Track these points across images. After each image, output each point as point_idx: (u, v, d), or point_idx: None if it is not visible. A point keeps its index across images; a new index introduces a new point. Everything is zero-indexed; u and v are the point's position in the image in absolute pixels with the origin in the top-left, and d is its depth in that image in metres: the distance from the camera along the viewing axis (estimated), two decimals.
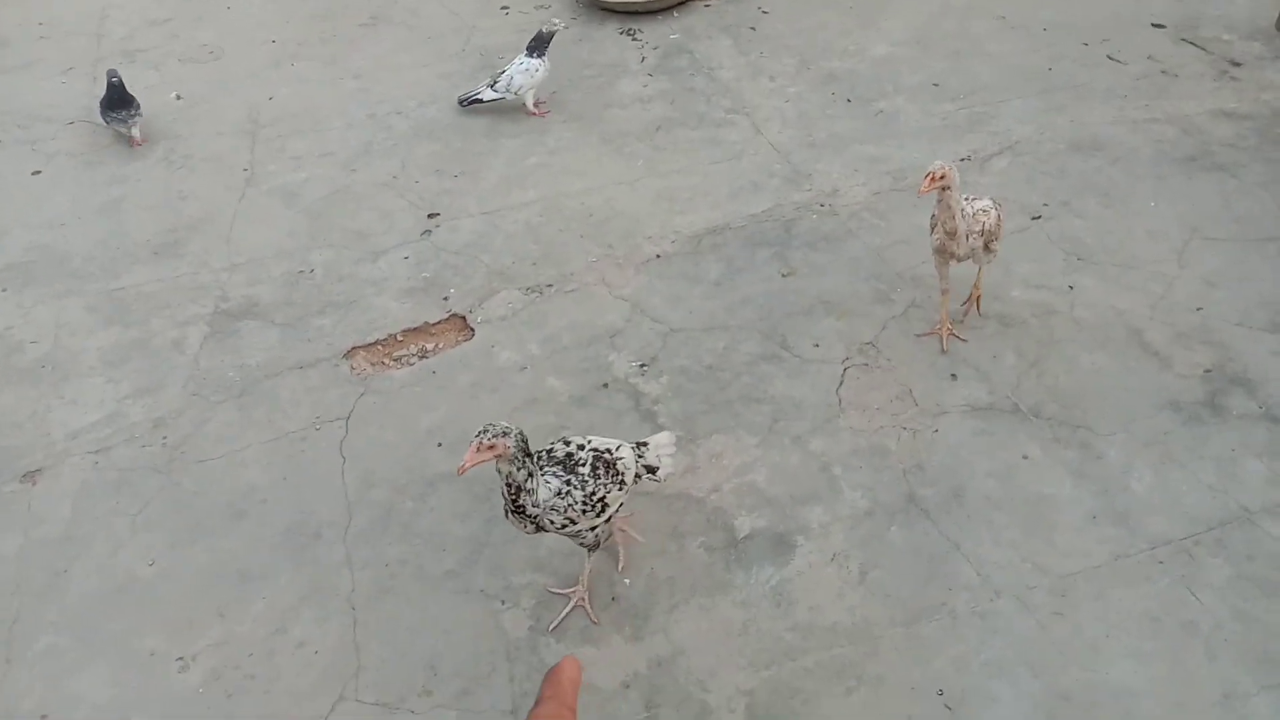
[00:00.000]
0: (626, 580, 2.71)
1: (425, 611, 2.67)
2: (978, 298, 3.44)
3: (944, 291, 3.30)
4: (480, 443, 2.17)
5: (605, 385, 3.30)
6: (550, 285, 3.74)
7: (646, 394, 3.26)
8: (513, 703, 2.45)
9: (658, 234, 3.96)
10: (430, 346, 3.54)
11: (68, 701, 2.52)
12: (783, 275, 3.72)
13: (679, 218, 4.05)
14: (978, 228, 3.07)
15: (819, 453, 3.04)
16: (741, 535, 2.82)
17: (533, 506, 2.32)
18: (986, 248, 3.15)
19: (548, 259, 3.87)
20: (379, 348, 3.55)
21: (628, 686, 2.47)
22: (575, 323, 3.56)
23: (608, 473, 2.42)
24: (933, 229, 3.12)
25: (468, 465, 2.18)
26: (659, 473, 2.56)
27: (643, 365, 3.37)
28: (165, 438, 3.24)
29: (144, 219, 4.22)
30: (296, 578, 2.78)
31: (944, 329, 3.34)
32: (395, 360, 3.50)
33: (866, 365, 3.32)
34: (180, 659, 2.60)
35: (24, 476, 3.12)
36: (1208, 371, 3.22)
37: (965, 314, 3.45)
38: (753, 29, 5.42)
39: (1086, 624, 2.55)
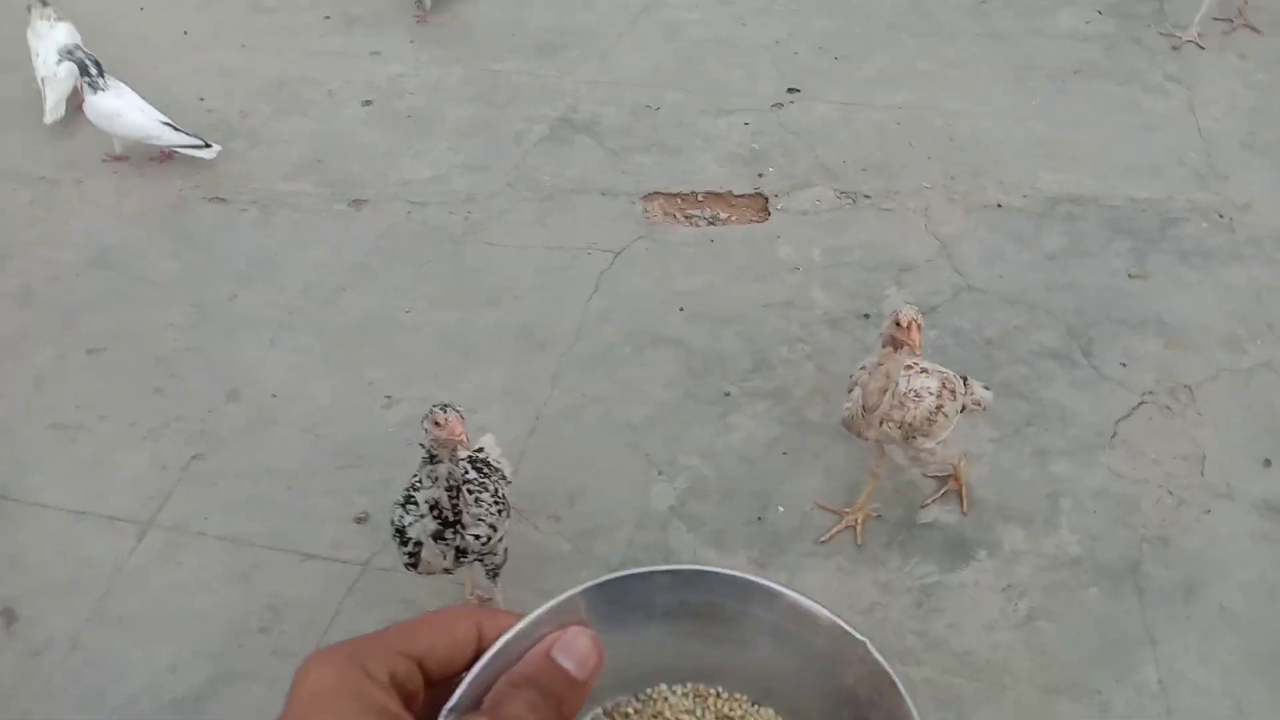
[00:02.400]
0: (781, 508, 2.59)
1: (592, 449, 2.75)
2: (958, 489, 2.57)
3: (872, 474, 2.48)
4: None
5: (866, 316, 3.08)
6: (868, 196, 3.50)
7: None
8: (621, 561, 2.49)
9: (1012, 182, 3.53)
10: (723, 216, 3.49)
11: (298, 393, 2.93)
12: (1130, 275, 3.19)
13: (1046, 173, 3.57)
14: (898, 416, 2.24)
15: (1058, 476, 2.65)
16: (921, 521, 2.57)
17: (470, 517, 2.05)
18: (906, 439, 2.29)
19: (881, 169, 3.61)
20: (678, 200, 3.56)
21: None
22: (872, 243, 3.32)
23: (490, 469, 2.26)
24: (849, 389, 2.34)
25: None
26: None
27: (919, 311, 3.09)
28: (470, 213, 3.52)
29: (544, 15, 4.47)
30: (507, 374, 2.96)
31: (856, 516, 2.51)
32: (686, 217, 3.50)
33: (1169, 409, 2.80)
34: (389, 397, 2.91)
35: (353, 202, 3.56)
36: None
37: (933, 500, 2.59)
38: None
39: None
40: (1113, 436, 2.73)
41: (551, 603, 0.50)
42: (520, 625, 0.48)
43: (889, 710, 0.52)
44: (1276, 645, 2.30)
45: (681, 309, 3.14)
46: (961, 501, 2.59)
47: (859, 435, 2.34)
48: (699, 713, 0.55)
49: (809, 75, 4.09)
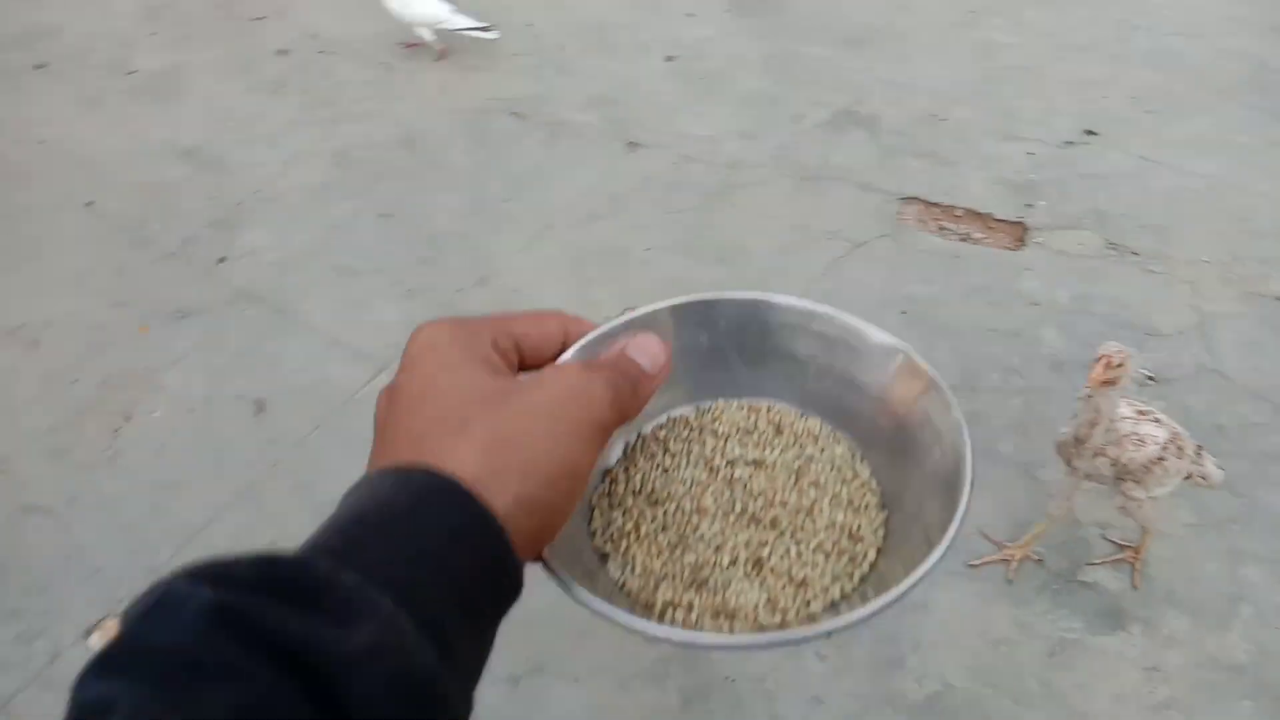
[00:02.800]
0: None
1: None
2: (1133, 561, 2.46)
3: (1049, 515, 2.40)
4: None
5: None
6: (1136, 254, 3.34)
7: None
8: None
9: None
10: (977, 235, 3.45)
11: (534, 293, 3.23)
12: None
13: None
14: (1114, 454, 2.15)
15: (1247, 581, 2.47)
16: (1082, 579, 2.48)
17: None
18: (1117, 480, 2.20)
19: (1160, 231, 3.43)
20: (936, 210, 3.55)
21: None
22: (1125, 300, 3.18)
23: None
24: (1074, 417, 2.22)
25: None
26: None
27: (1150, 379, 2.94)
28: (730, 175, 3.70)
29: (863, 10, 4.54)
30: None
31: (1015, 552, 2.45)
32: (939, 228, 3.49)
33: None
34: (607, 318, 3.14)
35: (629, 143, 3.83)
36: None
37: (1104, 561, 2.48)
38: None
39: None
40: None
41: (629, 314, 0.57)
42: (602, 329, 0.55)
43: (927, 410, 0.56)
44: None
45: (903, 312, 3.16)
46: (1134, 575, 2.48)
47: (1068, 464, 2.29)
48: (752, 420, 0.60)
49: (1112, 122, 3.92)
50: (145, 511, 2.59)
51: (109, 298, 3.18)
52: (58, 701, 1.65)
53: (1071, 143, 3.81)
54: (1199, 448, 2.32)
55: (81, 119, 3.92)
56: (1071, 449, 2.21)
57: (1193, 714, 2.24)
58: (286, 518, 2.56)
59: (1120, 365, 2.00)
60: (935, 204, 3.56)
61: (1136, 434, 2.19)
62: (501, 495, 0.42)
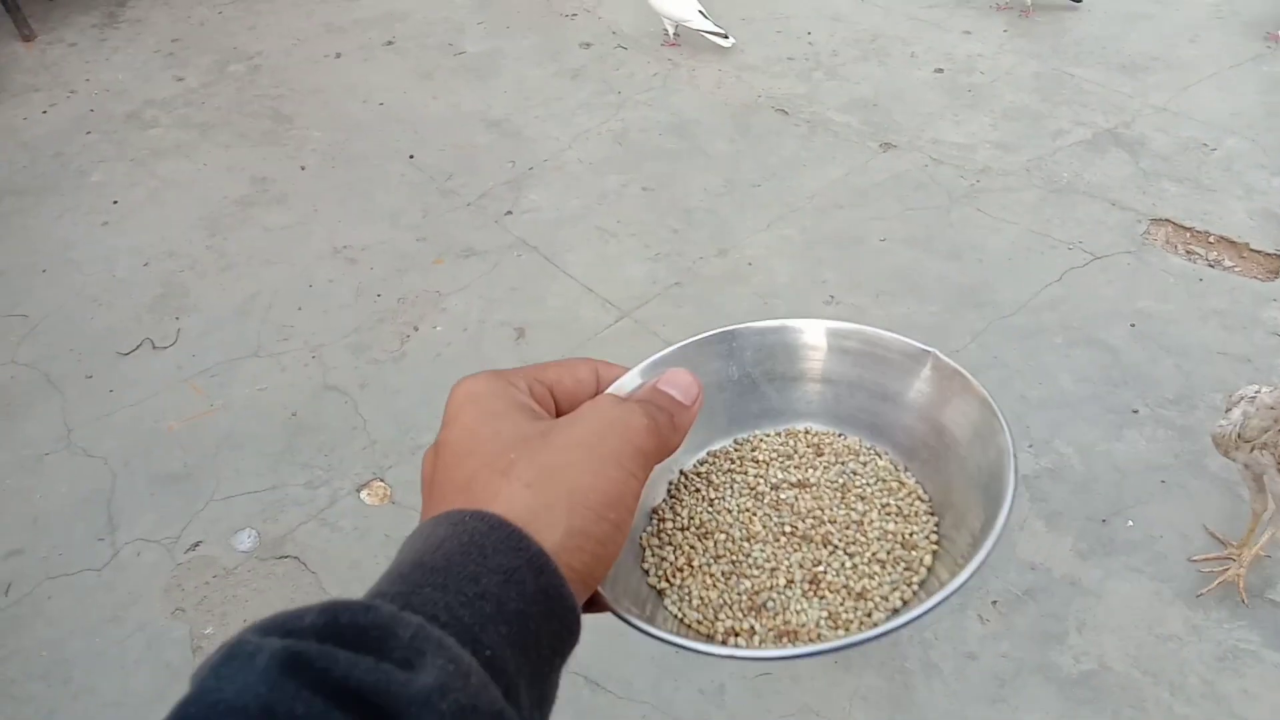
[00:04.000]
0: (1130, 522, 2.61)
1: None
2: (1239, 567, 2.41)
3: (1254, 512, 2.37)
4: None
5: None
6: None
7: None
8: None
9: None
10: (1227, 263, 3.37)
11: (766, 268, 3.52)
12: None
13: None
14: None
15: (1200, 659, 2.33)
16: (1271, 597, 2.43)
17: None
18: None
19: None
20: (1187, 234, 3.49)
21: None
22: None
23: None
24: (1227, 407, 2.26)
25: None
26: None
27: None
28: (978, 181, 3.81)
29: (1146, 39, 4.47)
30: (936, 314, 3.27)
31: (1237, 572, 2.42)
32: (1187, 252, 3.43)
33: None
34: (831, 297, 3.37)
35: (884, 144, 4.04)
36: None
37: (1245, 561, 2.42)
38: None
39: None
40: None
41: (659, 354, 0.58)
42: (634, 370, 0.56)
43: (962, 409, 0.56)
44: None
45: (1132, 325, 3.16)
46: (1240, 576, 2.41)
47: (1225, 455, 2.31)
48: (791, 445, 0.60)
49: None
50: (417, 402, 3.12)
51: (415, 233, 3.80)
52: (329, 536, 2.22)
53: None
54: None
55: (414, 88, 4.65)
56: (1229, 443, 2.25)
57: None
58: None
59: None
60: (1187, 228, 3.50)
61: None
62: (550, 531, 0.43)
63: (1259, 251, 3.38)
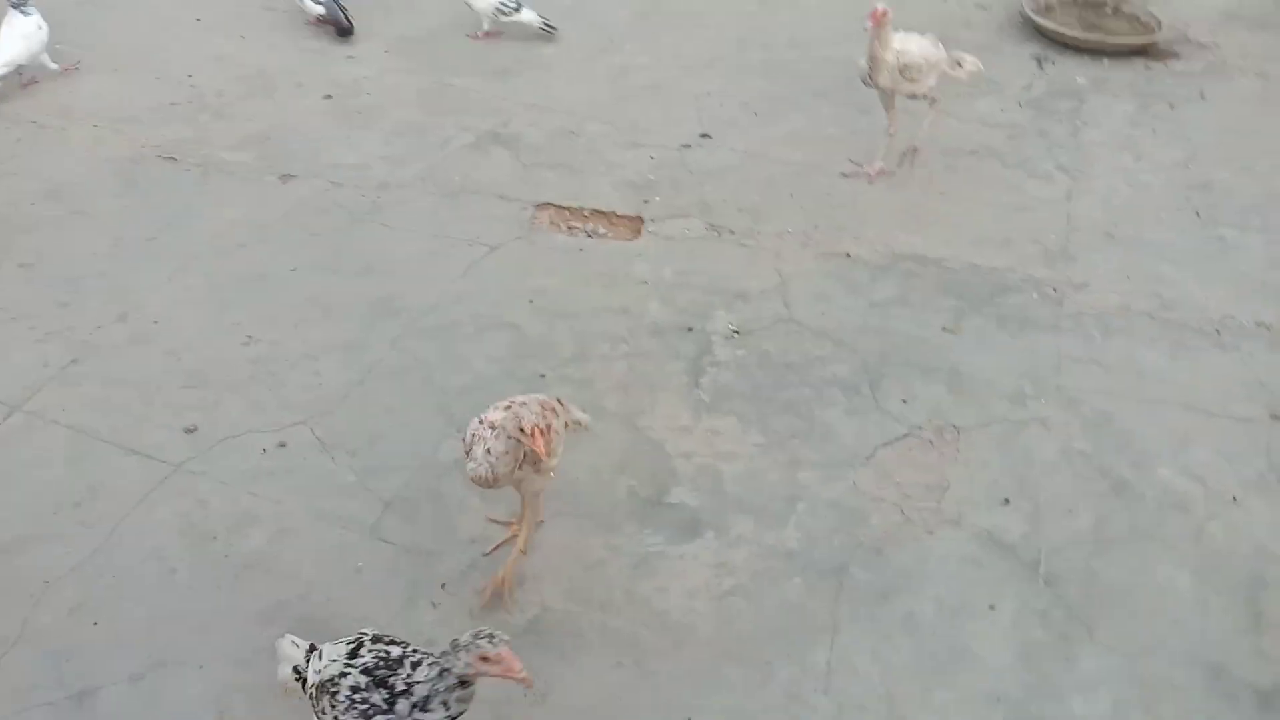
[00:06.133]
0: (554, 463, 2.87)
1: (405, 404, 3.09)
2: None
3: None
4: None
5: (690, 330, 3.39)
6: (733, 232, 3.83)
7: (714, 356, 3.30)
8: (394, 495, 2.81)
9: (868, 238, 3.83)
10: (601, 231, 3.85)
11: (174, 323, 3.33)
12: (944, 329, 3.45)
13: (903, 234, 3.86)
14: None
15: (802, 484, 2.91)
16: (667, 500, 2.85)
17: None
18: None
19: (755, 211, 3.94)
20: (567, 212, 3.93)
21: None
22: (720, 271, 3.64)
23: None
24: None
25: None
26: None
27: (736, 332, 3.39)
28: (378, 198, 3.94)
29: (511, 45, 4.93)
30: (355, 330, 3.34)
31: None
32: (568, 228, 3.86)
33: (931, 443, 3.04)
34: (250, 337, 3.29)
35: (283, 176, 4.02)
36: None
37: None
38: (1170, 107, 4.76)
39: None
40: (868, 458, 2.98)
41: None
42: None
43: None
44: (944, 652, 2.51)
45: (531, 301, 3.49)
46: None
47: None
48: None
49: (725, 125, 4.46)
50: None
51: None
52: None
53: (688, 145, 4.31)
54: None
55: None
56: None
57: (752, 597, 2.63)
58: None
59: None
60: (566, 207, 3.94)
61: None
62: None
63: (624, 216, 3.91)
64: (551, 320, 3.41)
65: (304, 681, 2.01)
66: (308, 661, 2.02)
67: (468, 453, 2.37)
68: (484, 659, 1.80)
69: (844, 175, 4.15)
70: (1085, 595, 2.64)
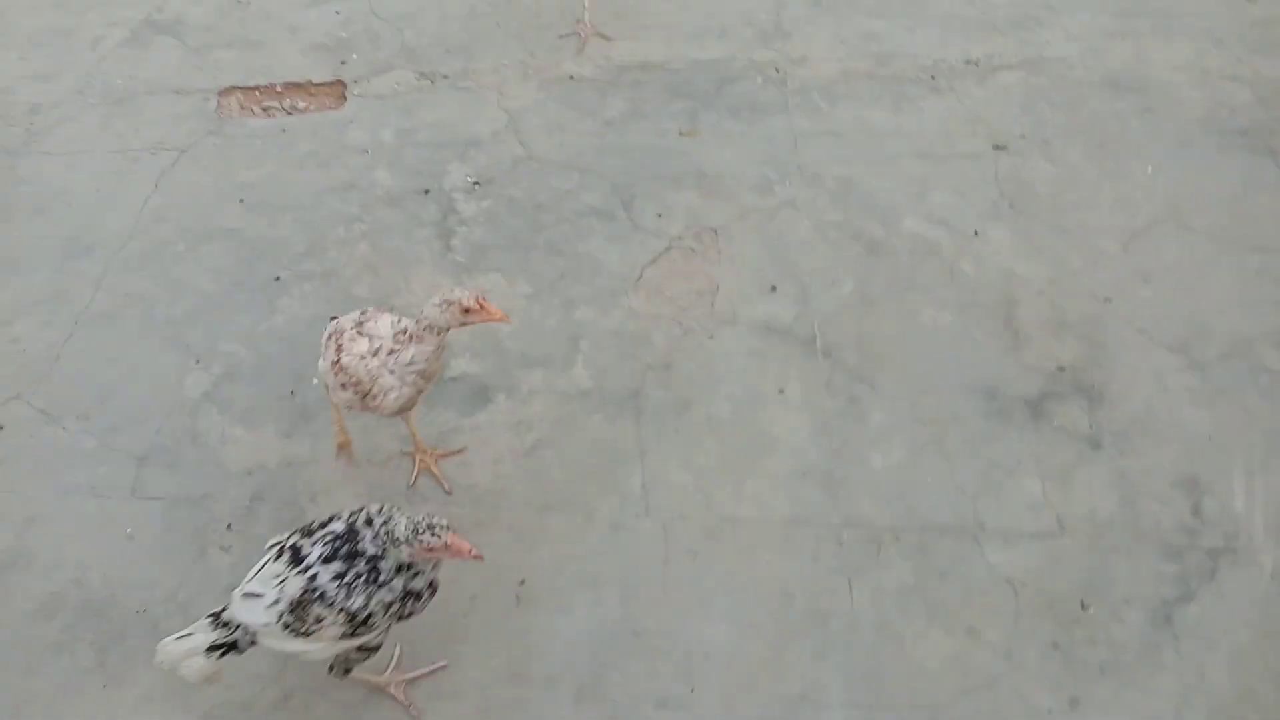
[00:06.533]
0: (315, 381, 2.65)
1: (129, 348, 2.75)
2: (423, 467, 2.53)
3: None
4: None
5: (427, 192, 3.17)
6: (447, 77, 3.56)
7: (460, 213, 3.11)
8: (147, 447, 2.53)
9: (592, 53, 3.66)
10: (301, 105, 3.48)
11: None
12: (680, 134, 3.39)
13: (629, 42, 3.70)
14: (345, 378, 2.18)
15: (581, 321, 2.84)
16: (449, 375, 2.71)
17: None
18: (363, 399, 2.19)
19: (464, 50, 3.66)
20: (256, 93, 3.51)
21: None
22: (444, 122, 3.39)
23: None
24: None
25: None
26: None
27: (476, 184, 3.20)
28: (32, 124, 3.37)
29: None
30: (48, 281, 2.90)
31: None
32: (263, 109, 3.46)
33: (693, 251, 3.03)
34: None
35: None
36: (1060, 370, 2.76)
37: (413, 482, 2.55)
38: None
39: (709, 575, 2.35)
40: (637, 280, 2.94)
41: None
42: None
43: None
44: (747, 444, 2.59)
45: (242, 200, 3.14)
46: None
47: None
48: None
49: None
50: None
51: None
52: None
53: None
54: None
55: None
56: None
57: (558, 445, 2.59)
58: None
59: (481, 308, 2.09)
60: (254, 88, 3.52)
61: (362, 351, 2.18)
62: None
63: (322, 84, 3.54)
64: (272, 215, 3.09)
65: (230, 646, 1.89)
66: (224, 627, 1.89)
67: (367, 393, 2.12)
68: (430, 550, 1.79)
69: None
70: (862, 356, 2.76)
